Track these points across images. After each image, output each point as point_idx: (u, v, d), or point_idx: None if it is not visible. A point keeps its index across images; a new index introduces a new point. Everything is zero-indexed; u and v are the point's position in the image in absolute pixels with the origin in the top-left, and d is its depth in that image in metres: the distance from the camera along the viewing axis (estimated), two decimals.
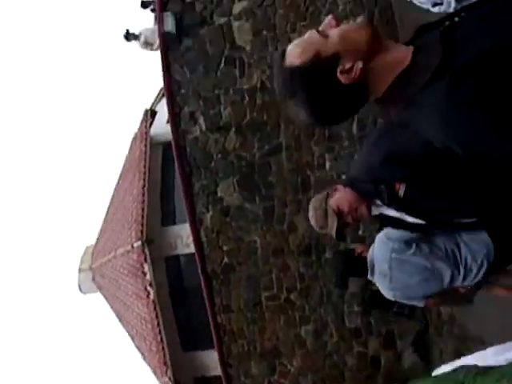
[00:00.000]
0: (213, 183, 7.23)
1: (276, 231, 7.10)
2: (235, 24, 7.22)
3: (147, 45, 7.78)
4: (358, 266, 2.34)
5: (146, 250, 7.86)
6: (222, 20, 7.24)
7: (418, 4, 1.52)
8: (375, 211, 2.00)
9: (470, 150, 1.01)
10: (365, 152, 1.98)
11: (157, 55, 7.47)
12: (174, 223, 8.37)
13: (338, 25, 1.13)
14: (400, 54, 1.10)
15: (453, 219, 1.88)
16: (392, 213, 1.95)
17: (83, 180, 36.76)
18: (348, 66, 1.07)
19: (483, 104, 0.92)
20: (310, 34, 1.12)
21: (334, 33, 1.10)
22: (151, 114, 8.91)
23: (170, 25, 7.13)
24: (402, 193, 1.82)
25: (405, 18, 6.22)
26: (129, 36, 7.98)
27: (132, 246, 8.11)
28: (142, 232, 7.93)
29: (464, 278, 2.27)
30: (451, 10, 1.36)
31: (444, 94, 0.96)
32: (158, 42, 7.39)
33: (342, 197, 1.97)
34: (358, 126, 6.76)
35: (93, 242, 10.62)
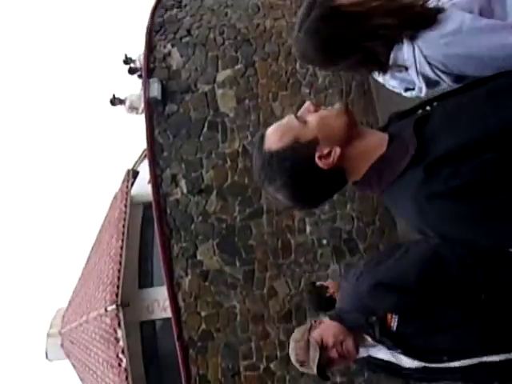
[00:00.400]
0: (192, 246, 7.12)
1: (256, 296, 6.92)
2: (219, 91, 7.48)
3: (132, 109, 7.98)
4: (330, 305, 2.25)
5: (121, 315, 7.51)
6: (206, 87, 7.51)
7: (391, 88, 1.59)
8: (363, 353, 1.77)
9: (448, 240, 1.02)
10: (353, 281, 1.80)
11: (142, 118, 7.64)
12: (152, 285, 8.11)
13: (316, 110, 1.16)
14: (376, 141, 1.13)
15: (452, 359, 1.61)
16: (383, 354, 1.74)
17: (62, 237, 35.89)
18: (326, 151, 1.09)
19: (459, 196, 0.93)
20: (289, 120, 1.14)
21: (313, 119, 1.12)
22: (133, 174, 8.93)
23: (155, 90, 7.35)
24: (394, 326, 1.61)
25: (381, 91, 6.57)
26: (115, 100, 8.18)
27: (106, 310, 7.75)
28: (117, 295, 7.62)
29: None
30: (422, 95, 1.42)
31: (419, 183, 0.98)
32: (142, 106, 7.58)
33: (326, 329, 1.74)
34: (339, 192, 6.88)
35: (65, 304, 10.17)
